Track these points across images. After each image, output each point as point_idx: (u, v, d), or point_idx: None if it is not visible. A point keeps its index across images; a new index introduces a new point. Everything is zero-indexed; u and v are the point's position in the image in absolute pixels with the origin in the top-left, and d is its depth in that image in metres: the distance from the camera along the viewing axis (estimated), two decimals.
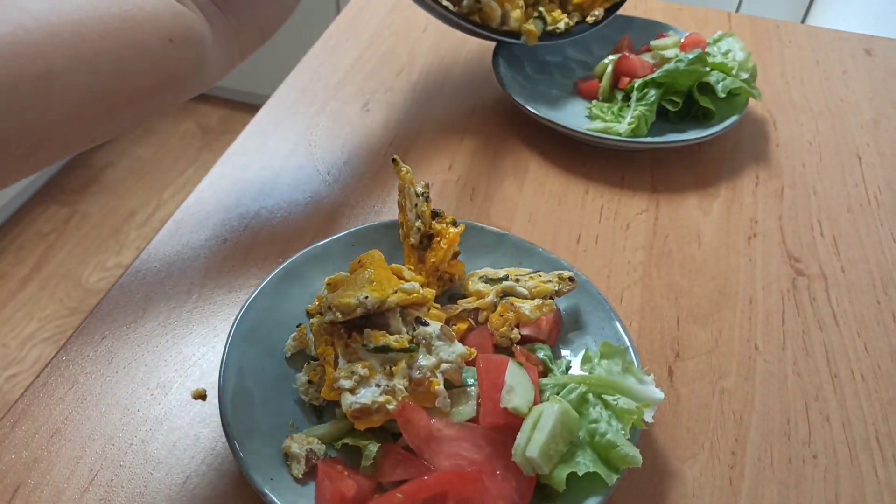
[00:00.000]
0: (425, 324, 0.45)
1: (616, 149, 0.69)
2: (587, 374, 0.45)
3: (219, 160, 0.66)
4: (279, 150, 0.68)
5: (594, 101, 0.73)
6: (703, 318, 0.55)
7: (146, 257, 0.57)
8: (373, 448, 0.42)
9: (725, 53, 0.74)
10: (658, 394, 0.43)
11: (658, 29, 0.79)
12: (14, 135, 0.35)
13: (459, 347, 0.45)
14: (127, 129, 0.44)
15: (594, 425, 0.41)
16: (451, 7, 0.68)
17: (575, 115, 0.72)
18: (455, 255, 0.51)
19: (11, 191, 1.83)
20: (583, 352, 0.48)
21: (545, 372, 0.47)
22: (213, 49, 0.47)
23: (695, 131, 0.68)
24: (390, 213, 0.62)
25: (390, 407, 0.41)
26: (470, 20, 0.69)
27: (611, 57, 0.74)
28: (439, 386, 0.42)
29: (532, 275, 0.51)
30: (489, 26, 0.72)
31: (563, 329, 0.50)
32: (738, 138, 0.73)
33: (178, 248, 0.58)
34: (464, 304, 0.50)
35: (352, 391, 0.42)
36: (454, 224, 0.51)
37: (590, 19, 0.73)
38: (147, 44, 0.42)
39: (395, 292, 0.44)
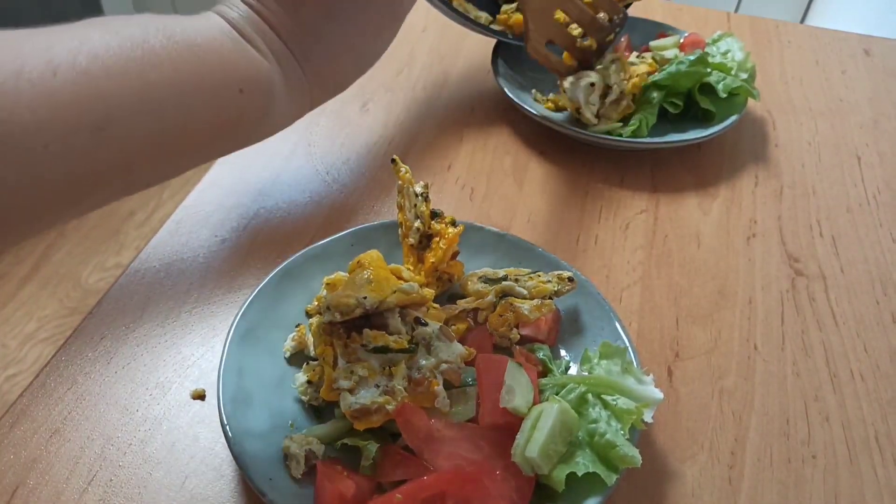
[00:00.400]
0: (424, 324, 0.45)
1: (616, 149, 0.69)
2: (586, 374, 0.45)
3: (219, 160, 0.66)
4: (279, 150, 0.68)
5: None
6: (703, 318, 0.55)
7: (145, 257, 0.57)
8: (372, 448, 0.42)
9: (724, 53, 0.74)
10: (657, 394, 0.43)
11: (658, 29, 0.79)
12: (62, 183, 0.34)
13: (459, 348, 0.45)
14: (183, 171, 0.42)
15: (593, 425, 0.41)
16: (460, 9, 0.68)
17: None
18: (454, 256, 0.51)
19: None
20: (582, 352, 0.48)
21: (544, 372, 0.47)
22: (283, 98, 0.46)
23: (695, 131, 0.68)
24: (390, 213, 0.62)
25: (389, 407, 0.41)
26: (468, 16, 0.70)
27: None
28: (438, 386, 0.42)
29: (531, 275, 0.51)
30: (489, 27, 0.72)
31: (563, 329, 0.50)
32: (737, 138, 0.73)
33: (177, 248, 0.58)
34: (463, 304, 0.50)
35: (351, 391, 0.42)
36: (453, 224, 0.51)
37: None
38: (215, 90, 0.40)
39: (394, 292, 0.44)
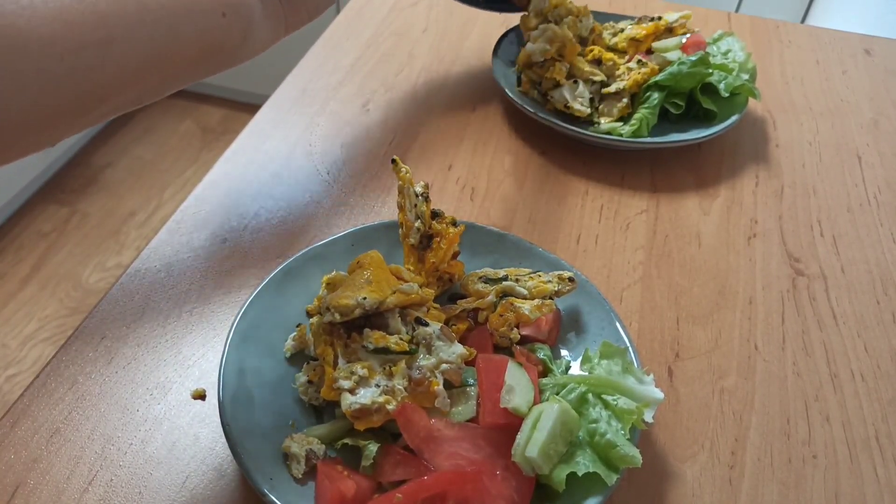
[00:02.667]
0: (425, 324, 0.45)
1: (616, 149, 0.69)
2: (587, 374, 0.45)
3: (219, 160, 0.66)
4: (279, 150, 0.68)
5: None
6: (703, 318, 0.55)
7: (146, 257, 0.57)
8: (372, 448, 0.42)
9: (725, 53, 0.74)
10: (658, 394, 0.43)
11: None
12: (73, 95, 0.38)
13: (459, 348, 0.45)
14: (171, 91, 0.46)
15: (594, 425, 0.41)
16: None
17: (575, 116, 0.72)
18: (455, 255, 0.51)
19: (11, 190, 1.83)
20: (582, 352, 0.48)
21: (545, 372, 0.47)
22: (261, 23, 0.49)
23: (695, 131, 0.68)
24: (390, 213, 0.62)
25: (390, 407, 0.41)
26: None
27: None
28: (439, 386, 0.42)
29: (532, 275, 0.51)
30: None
31: (563, 329, 0.50)
32: (738, 138, 0.73)
33: (177, 249, 0.58)
34: (463, 304, 0.50)
35: (351, 391, 0.42)
36: (454, 224, 0.51)
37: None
38: (202, 15, 0.44)
39: (394, 293, 0.44)
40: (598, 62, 0.71)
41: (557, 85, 0.69)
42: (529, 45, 0.70)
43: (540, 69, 0.70)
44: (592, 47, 0.71)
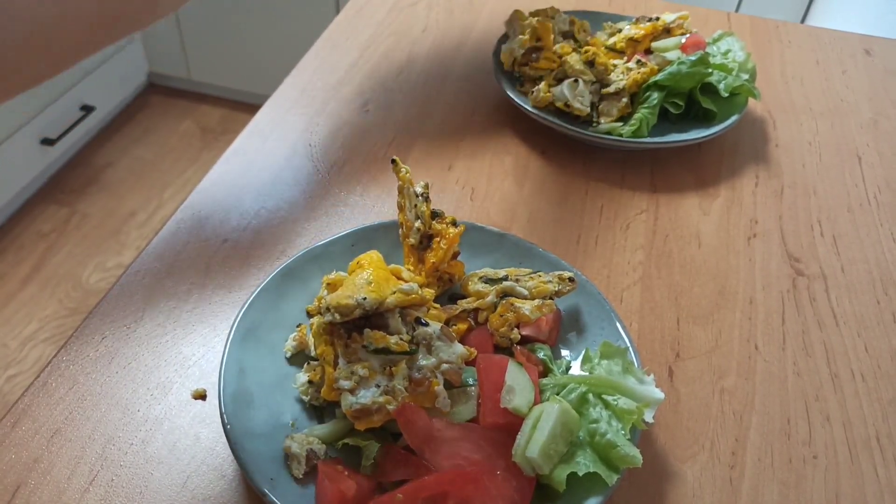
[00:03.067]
0: (425, 324, 0.45)
1: (616, 149, 0.69)
2: (587, 374, 0.45)
3: (219, 160, 0.66)
4: (279, 150, 0.68)
5: None
6: (703, 318, 0.55)
7: (146, 257, 0.57)
8: (373, 448, 0.42)
9: (725, 53, 0.74)
10: (658, 394, 0.43)
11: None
12: None
13: (459, 348, 0.45)
14: (71, 66, 0.41)
15: (594, 425, 0.42)
16: None
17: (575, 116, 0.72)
18: (455, 256, 0.51)
19: (11, 190, 1.83)
20: (583, 352, 0.48)
21: (545, 372, 0.47)
22: None
23: (695, 131, 0.68)
24: (390, 213, 0.62)
25: (390, 407, 0.41)
26: None
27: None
28: (439, 386, 0.42)
29: (532, 275, 0.51)
30: None
31: (563, 329, 0.50)
32: (738, 138, 0.73)
33: (178, 248, 0.58)
34: (464, 304, 0.50)
35: (352, 391, 0.42)
36: (454, 224, 0.51)
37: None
38: None
39: (394, 293, 0.44)
40: (591, 63, 0.71)
41: (559, 79, 0.69)
42: (506, 45, 0.72)
43: (535, 63, 0.70)
44: (588, 48, 0.71)
